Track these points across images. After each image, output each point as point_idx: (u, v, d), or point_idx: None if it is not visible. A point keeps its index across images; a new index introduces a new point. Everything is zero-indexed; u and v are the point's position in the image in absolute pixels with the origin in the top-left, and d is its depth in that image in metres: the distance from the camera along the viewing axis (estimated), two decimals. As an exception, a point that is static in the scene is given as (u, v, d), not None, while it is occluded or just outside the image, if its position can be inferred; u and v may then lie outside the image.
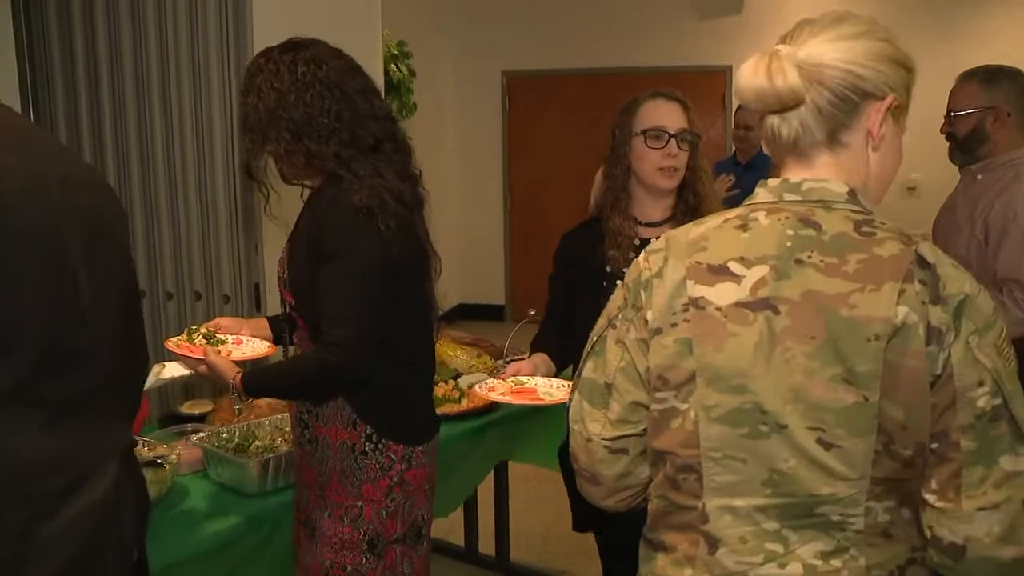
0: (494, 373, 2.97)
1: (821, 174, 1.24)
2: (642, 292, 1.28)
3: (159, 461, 2.19)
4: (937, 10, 7.30)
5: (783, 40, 1.25)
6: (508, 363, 3.15)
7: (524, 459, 3.21)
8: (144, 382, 1.64)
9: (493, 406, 2.83)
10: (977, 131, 2.83)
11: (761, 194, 1.27)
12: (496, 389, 2.38)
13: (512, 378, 2.41)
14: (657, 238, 1.37)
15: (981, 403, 1.11)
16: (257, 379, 2.01)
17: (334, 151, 1.91)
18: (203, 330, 2.21)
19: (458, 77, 8.14)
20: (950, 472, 1.13)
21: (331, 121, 1.90)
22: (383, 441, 1.99)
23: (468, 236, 7.98)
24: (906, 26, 7.12)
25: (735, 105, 7.46)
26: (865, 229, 1.18)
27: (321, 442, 2.03)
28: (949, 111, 2.93)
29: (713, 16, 7.73)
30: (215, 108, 3.13)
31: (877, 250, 1.15)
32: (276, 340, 2.24)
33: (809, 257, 1.17)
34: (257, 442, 2.41)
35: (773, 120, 1.25)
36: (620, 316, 1.31)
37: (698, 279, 1.22)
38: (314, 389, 1.98)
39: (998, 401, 1.11)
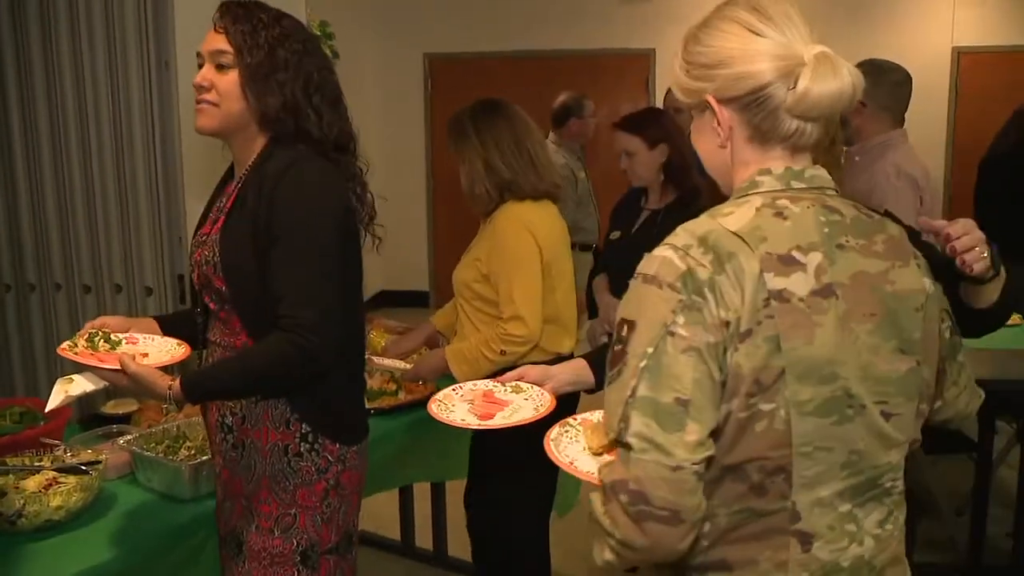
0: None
1: (809, 163, 1.29)
2: (707, 292, 1.15)
3: (84, 468, 2.06)
4: (854, -5, 7.43)
5: (777, 33, 1.23)
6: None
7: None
8: None
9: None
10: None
11: (767, 182, 1.26)
12: (475, 399, 1.89)
13: (514, 383, 1.91)
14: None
15: (947, 333, 1.36)
16: (201, 383, 1.81)
17: (330, 122, 1.86)
18: (100, 333, 1.92)
19: (379, 59, 7.99)
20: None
21: (335, 99, 1.89)
22: (319, 440, 1.86)
23: (391, 221, 7.72)
24: (824, 13, 7.28)
25: (659, 88, 7.53)
26: (866, 212, 1.29)
27: (248, 447, 1.88)
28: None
29: (636, 0, 7.73)
30: (133, 85, 2.96)
31: (889, 229, 1.29)
32: (192, 344, 1.98)
33: (847, 241, 1.23)
34: (188, 443, 2.29)
35: (802, 123, 1.23)
36: (680, 321, 1.15)
37: (776, 271, 1.17)
38: (280, 382, 1.80)
39: (951, 321, 1.38)
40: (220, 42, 1.81)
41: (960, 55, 7.58)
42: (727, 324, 1.15)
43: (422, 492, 3.64)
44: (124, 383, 1.79)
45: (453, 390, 1.92)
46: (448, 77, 8.08)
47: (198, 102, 1.84)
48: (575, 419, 1.64)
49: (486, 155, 2.64)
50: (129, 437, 2.30)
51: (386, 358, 2.94)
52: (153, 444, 2.27)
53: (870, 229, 1.27)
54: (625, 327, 1.19)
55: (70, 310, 3.16)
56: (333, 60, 5.37)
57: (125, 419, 2.61)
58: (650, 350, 1.14)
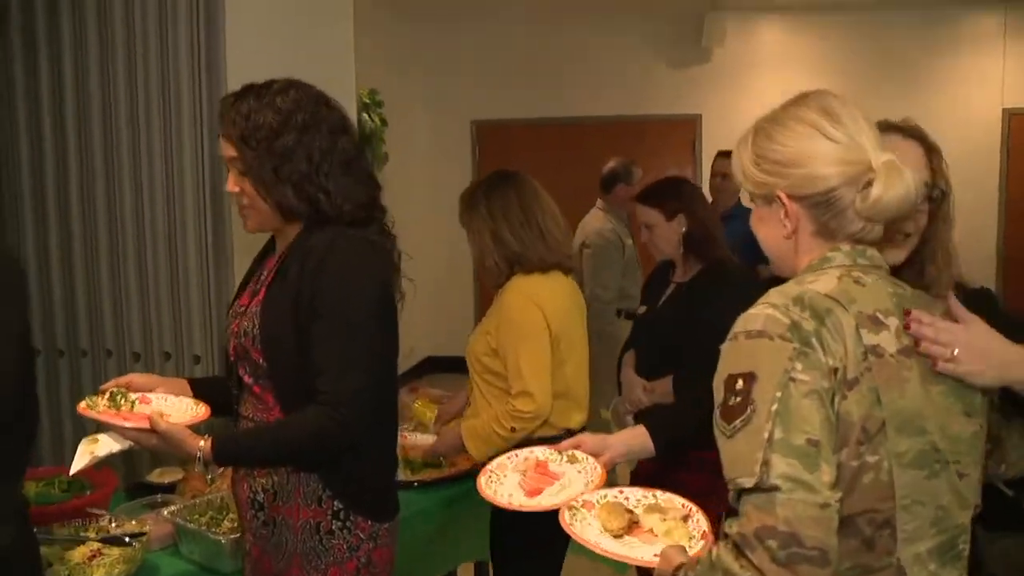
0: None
1: (868, 245, 1.38)
2: (813, 342, 1.21)
3: (128, 540, 2.05)
4: (897, 64, 7.40)
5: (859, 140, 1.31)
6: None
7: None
8: (30, 443, 1.58)
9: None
10: None
11: (839, 257, 1.34)
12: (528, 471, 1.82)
13: (570, 452, 1.83)
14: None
15: (996, 400, 1.41)
16: (233, 445, 1.81)
17: (343, 195, 1.84)
18: (112, 388, 1.90)
19: (428, 126, 8.09)
20: None
21: (347, 162, 1.86)
22: (352, 518, 1.84)
23: (438, 287, 7.86)
24: (874, 76, 7.26)
25: (705, 151, 7.52)
26: (918, 291, 1.40)
27: (279, 524, 1.86)
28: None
29: (682, 66, 7.78)
30: (186, 155, 2.99)
31: (940, 306, 1.38)
32: (215, 409, 1.96)
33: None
34: (232, 515, 2.27)
35: (868, 223, 1.33)
36: (799, 368, 1.20)
37: (868, 328, 1.25)
38: (313, 454, 1.80)
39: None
40: (227, 148, 1.83)
41: (1011, 116, 7.49)
42: (835, 371, 1.21)
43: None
44: (152, 443, 1.77)
45: (508, 458, 1.87)
46: (495, 142, 8.16)
47: (239, 208, 1.88)
48: (576, 501, 1.63)
49: (494, 227, 2.63)
50: (173, 508, 2.29)
51: (419, 433, 2.96)
52: (196, 515, 2.26)
53: (928, 304, 1.37)
54: (740, 380, 1.21)
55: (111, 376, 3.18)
56: (382, 128, 5.43)
57: (170, 488, 2.60)
58: (779, 394, 1.18)
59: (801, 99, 1.38)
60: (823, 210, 1.32)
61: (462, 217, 2.74)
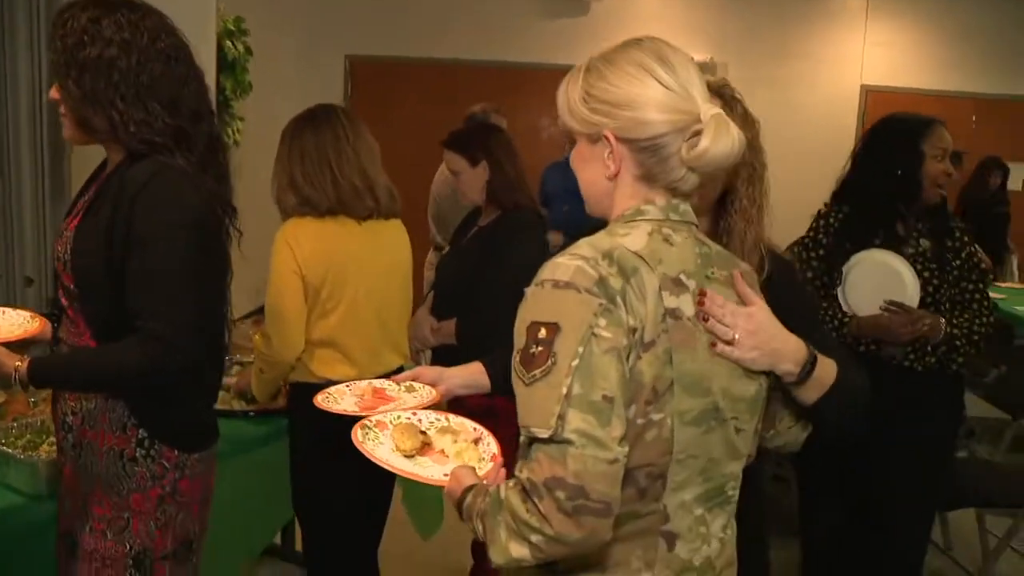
0: None
1: (683, 201, 1.39)
2: (618, 299, 1.23)
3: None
4: (764, 32, 7.63)
5: (687, 92, 1.32)
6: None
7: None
8: None
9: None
10: None
11: (652, 211, 1.35)
12: (365, 394, 1.88)
13: (407, 383, 1.89)
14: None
15: None
16: (49, 369, 1.78)
17: (168, 124, 1.78)
18: None
19: (299, 57, 7.89)
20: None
21: (177, 93, 1.79)
22: (156, 446, 1.83)
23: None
24: (740, 45, 7.48)
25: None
26: (721, 247, 1.45)
27: (85, 447, 1.84)
28: None
29: (559, 16, 7.81)
30: (21, 68, 2.88)
31: (741, 264, 1.46)
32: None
33: (713, 273, 1.37)
34: (52, 438, 2.24)
35: (689, 172, 1.34)
36: (602, 324, 1.21)
37: (670, 291, 1.29)
38: (127, 385, 1.78)
39: None
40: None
41: (868, 93, 7.84)
42: (634, 331, 1.24)
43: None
44: None
45: (346, 386, 1.92)
46: (368, 80, 8.04)
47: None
48: (370, 421, 1.67)
49: (289, 167, 2.57)
50: (-12, 430, 2.24)
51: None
52: (13, 438, 2.22)
53: (730, 262, 1.43)
54: (543, 329, 1.22)
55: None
56: (246, 56, 5.27)
57: (-10, 410, 2.54)
58: (580, 350, 1.20)
59: (635, 42, 1.36)
60: (648, 155, 1.32)
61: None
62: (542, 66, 7.82)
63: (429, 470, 1.55)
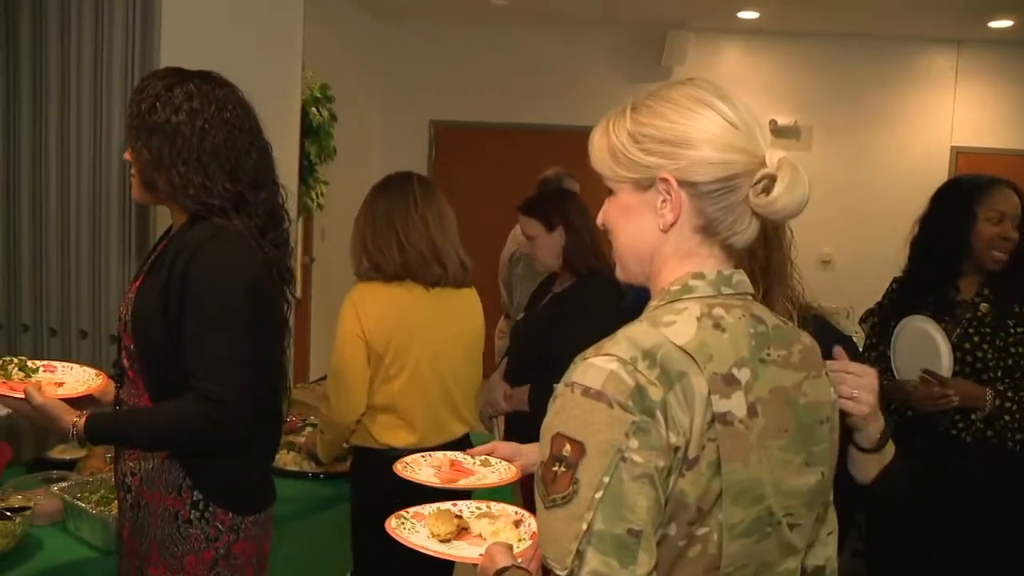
0: None
1: (733, 266, 1.23)
2: (657, 413, 1.07)
3: (8, 514, 2.04)
4: (852, 93, 7.53)
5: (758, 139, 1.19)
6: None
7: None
8: None
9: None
10: None
11: (701, 287, 1.19)
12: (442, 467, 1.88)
13: (483, 457, 1.88)
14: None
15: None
16: (106, 426, 1.81)
17: (228, 190, 1.83)
18: (16, 360, 1.92)
19: (384, 123, 8.08)
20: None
21: (238, 161, 1.85)
22: (211, 509, 1.84)
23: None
24: (828, 107, 7.40)
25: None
26: (782, 319, 1.26)
27: (143, 508, 1.86)
28: None
29: (641, 82, 7.84)
30: (114, 147, 2.98)
31: (804, 339, 1.26)
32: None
33: (768, 354, 1.19)
34: (125, 494, 2.27)
35: (748, 224, 1.20)
36: (634, 446, 1.06)
37: (720, 392, 1.11)
38: (184, 445, 1.81)
39: None
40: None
41: (959, 154, 7.64)
42: (675, 450, 1.08)
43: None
44: (29, 413, 1.78)
45: (423, 456, 1.93)
46: (452, 144, 8.17)
47: None
48: (407, 512, 1.66)
49: (362, 230, 2.60)
50: (64, 484, 2.28)
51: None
52: (88, 493, 2.26)
53: (789, 338, 1.23)
54: (568, 446, 1.08)
55: (33, 351, 3.16)
56: (331, 123, 5.40)
57: (71, 465, 2.60)
58: (605, 479, 1.05)
59: (688, 80, 1.22)
60: (712, 201, 1.16)
61: None
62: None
63: (464, 551, 1.53)
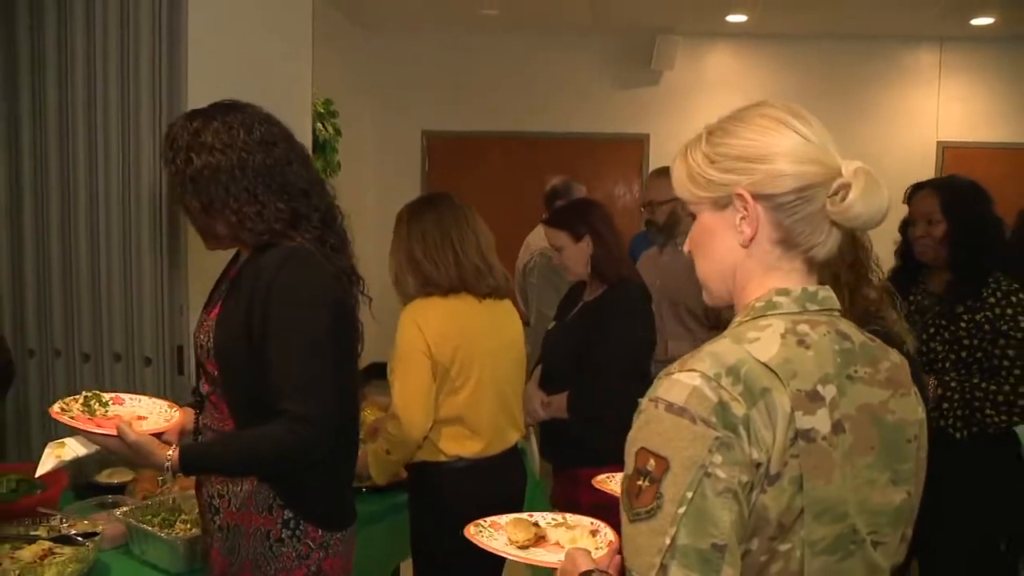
0: None
1: (817, 281, 1.25)
2: (740, 429, 1.08)
3: (80, 539, 2.06)
4: (840, 92, 7.64)
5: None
6: None
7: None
8: None
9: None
10: (673, 216, 3.61)
11: (785, 303, 1.20)
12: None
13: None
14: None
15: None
16: (200, 457, 1.85)
17: (281, 209, 1.86)
18: (92, 394, 1.91)
19: (378, 135, 8.11)
20: None
21: (282, 176, 1.86)
22: (302, 527, 1.87)
23: (384, 293, 7.85)
24: (812, 104, 7.50)
25: (650, 171, 7.66)
26: (869, 336, 1.26)
27: (232, 529, 1.89)
28: (649, 201, 3.75)
29: (632, 86, 7.92)
30: (143, 166, 3.02)
31: (892, 356, 1.26)
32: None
33: (855, 371, 1.20)
34: (184, 516, 2.30)
35: (827, 235, 1.21)
36: (717, 461, 1.07)
37: (804, 409, 1.12)
38: (277, 467, 1.83)
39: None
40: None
41: (945, 149, 7.77)
42: (758, 465, 1.09)
43: None
44: (121, 450, 1.78)
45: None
46: (445, 154, 8.22)
47: None
48: (484, 521, 1.68)
49: (410, 247, 2.62)
50: (125, 509, 2.30)
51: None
52: (149, 516, 2.27)
53: (876, 356, 1.24)
54: (652, 462, 1.09)
55: (67, 377, 3.17)
56: (336, 138, 5.42)
57: (120, 489, 2.61)
58: (689, 495, 1.06)
59: (760, 102, 1.25)
60: (789, 212, 1.18)
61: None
62: (614, 136, 7.94)
63: (542, 557, 1.56)
